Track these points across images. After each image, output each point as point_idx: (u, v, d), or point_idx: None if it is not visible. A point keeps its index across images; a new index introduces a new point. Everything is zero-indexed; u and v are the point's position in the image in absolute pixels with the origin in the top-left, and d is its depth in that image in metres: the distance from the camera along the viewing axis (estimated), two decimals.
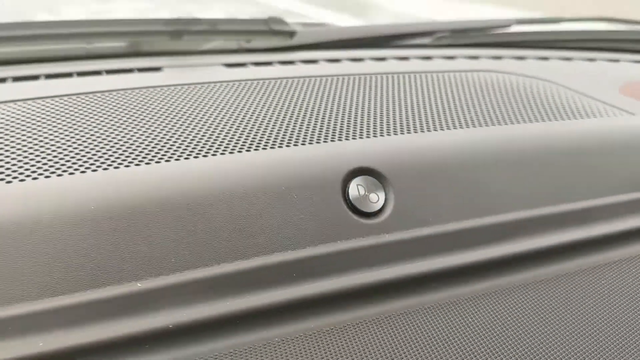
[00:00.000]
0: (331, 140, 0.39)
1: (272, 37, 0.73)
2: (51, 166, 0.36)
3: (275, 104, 0.46)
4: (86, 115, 0.43)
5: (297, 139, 0.40)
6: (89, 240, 0.32)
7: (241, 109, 0.44)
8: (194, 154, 0.38)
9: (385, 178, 0.37)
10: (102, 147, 0.39)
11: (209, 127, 0.41)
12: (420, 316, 0.33)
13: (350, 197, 0.36)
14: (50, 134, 0.40)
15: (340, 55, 0.70)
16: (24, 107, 0.44)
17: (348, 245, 0.35)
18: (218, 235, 0.33)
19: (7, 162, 0.37)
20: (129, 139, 0.40)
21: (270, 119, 0.43)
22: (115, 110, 0.44)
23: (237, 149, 0.39)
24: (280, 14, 0.83)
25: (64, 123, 0.42)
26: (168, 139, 0.40)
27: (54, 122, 0.42)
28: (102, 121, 0.42)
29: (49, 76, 0.55)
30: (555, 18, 0.95)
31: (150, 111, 0.44)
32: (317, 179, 0.36)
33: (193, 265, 0.33)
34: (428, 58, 0.72)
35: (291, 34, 0.74)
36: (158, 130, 0.41)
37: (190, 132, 0.41)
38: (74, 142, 0.39)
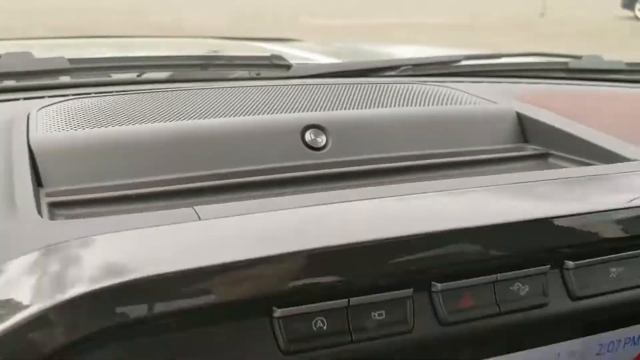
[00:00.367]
0: (300, 112, 0.66)
1: (275, 69, 0.99)
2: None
3: (275, 99, 0.71)
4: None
5: (280, 110, 0.67)
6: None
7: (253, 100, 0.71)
8: (215, 116, 0.64)
9: (326, 129, 0.63)
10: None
11: (230, 103, 0.68)
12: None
13: (305, 139, 0.62)
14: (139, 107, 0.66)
15: (323, 81, 0.95)
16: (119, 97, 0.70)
17: (303, 162, 0.61)
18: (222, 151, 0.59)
19: None
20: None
21: (269, 103, 0.69)
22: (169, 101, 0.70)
23: (250, 114, 0.65)
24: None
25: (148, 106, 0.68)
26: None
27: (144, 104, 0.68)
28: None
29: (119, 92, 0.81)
30: (496, 54, 1.21)
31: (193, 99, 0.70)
32: (291, 129, 0.63)
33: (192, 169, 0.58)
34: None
35: (288, 67, 1.00)
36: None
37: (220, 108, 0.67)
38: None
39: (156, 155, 0.58)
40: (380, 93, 0.77)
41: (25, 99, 0.76)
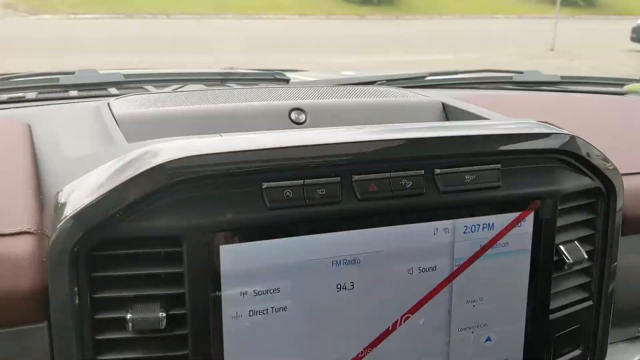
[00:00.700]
0: (288, 101, 0.96)
1: (275, 82, 1.30)
2: None
3: (272, 95, 1.01)
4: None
5: (274, 100, 0.96)
6: None
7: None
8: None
9: (306, 111, 0.93)
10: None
11: (239, 97, 0.98)
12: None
13: (291, 117, 0.92)
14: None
15: (310, 86, 1.26)
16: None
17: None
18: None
19: None
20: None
21: (267, 97, 0.99)
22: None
23: (254, 102, 0.95)
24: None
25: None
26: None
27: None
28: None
29: None
30: (456, 71, 1.51)
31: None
32: (282, 110, 0.92)
33: None
34: None
35: (287, 80, 1.31)
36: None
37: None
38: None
39: (190, 125, 0.88)
40: (349, 92, 1.07)
41: (96, 97, 1.08)
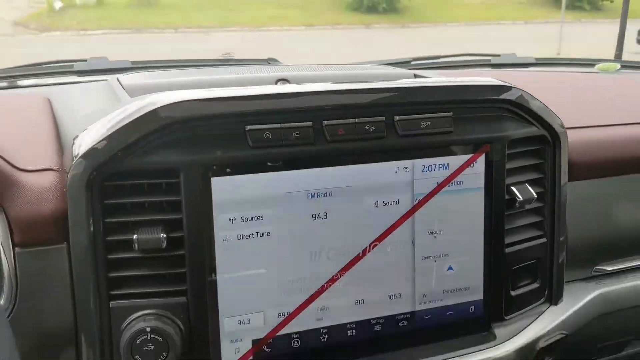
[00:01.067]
0: (275, 73, 1.08)
1: (269, 66, 1.43)
2: None
3: (262, 70, 1.13)
4: None
5: (263, 73, 1.08)
6: None
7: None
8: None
9: (290, 81, 1.05)
10: None
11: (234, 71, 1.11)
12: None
13: (278, 84, 1.04)
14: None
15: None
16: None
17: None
18: None
19: None
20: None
21: (258, 71, 1.11)
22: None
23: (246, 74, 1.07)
24: None
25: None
26: None
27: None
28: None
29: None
30: (439, 55, 1.63)
31: None
32: (270, 79, 1.05)
33: None
34: None
35: (280, 63, 1.44)
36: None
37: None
38: None
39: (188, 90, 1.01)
40: (335, 68, 1.19)
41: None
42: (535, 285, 0.97)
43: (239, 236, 0.78)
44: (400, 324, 0.87)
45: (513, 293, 0.94)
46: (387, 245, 0.85)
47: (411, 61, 1.58)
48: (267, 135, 0.77)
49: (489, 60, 1.59)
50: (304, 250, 0.81)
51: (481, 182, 0.89)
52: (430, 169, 0.86)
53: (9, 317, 0.72)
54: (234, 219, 0.78)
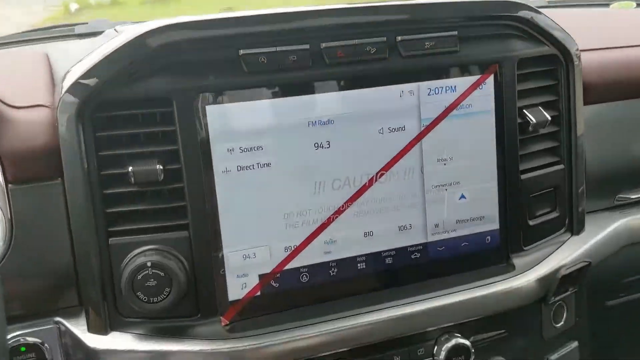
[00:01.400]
0: None
1: None
2: None
3: None
4: None
5: None
6: None
7: None
8: None
9: None
10: None
11: None
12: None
13: None
14: None
15: None
16: None
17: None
18: None
19: None
20: None
21: None
22: None
23: None
24: None
25: None
26: None
27: None
28: None
29: None
30: None
31: None
32: None
33: None
34: None
35: None
36: None
37: None
38: None
39: None
40: None
41: None
42: (554, 215, 0.93)
43: (239, 167, 0.75)
44: (412, 256, 0.84)
45: (531, 222, 0.90)
46: (395, 174, 0.82)
47: None
48: (262, 59, 0.74)
49: None
50: (307, 181, 0.78)
51: (491, 104, 0.84)
52: (436, 91, 0.82)
53: (4, 259, 0.70)
54: (232, 149, 0.75)
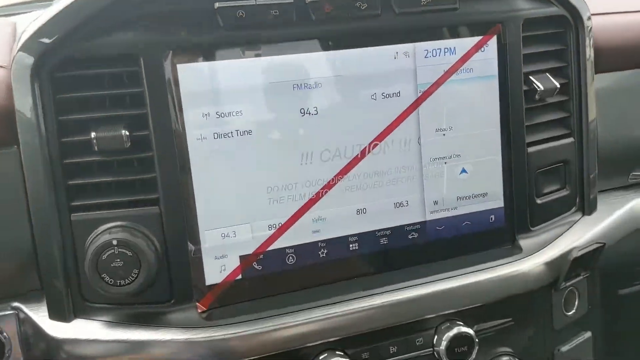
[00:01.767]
0: None
1: None
2: None
3: None
4: None
5: None
6: None
7: None
8: None
9: None
10: None
11: None
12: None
13: None
14: None
15: None
16: None
17: None
18: None
19: None
20: None
21: None
22: None
23: None
24: None
25: None
26: None
27: None
28: None
29: None
30: None
31: None
32: None
33: None
34: None
35: None
36: None
37: None
38: None
39: None
40: None
41: None
42: (564, 193, 0.85)
43: (216, 135, 0.68)
44: (409, 236, 0.76)
45: (539, 201, 0.82)
46: (389, 145, 0.74)
47: None
48: (241, 13, 0.67)
49: None
50: (293, 152, 0.71)
51: (494, 69, 0.77)
52: (434, 53, 0.75)
53: None
54: (208, 114, 0.67)
